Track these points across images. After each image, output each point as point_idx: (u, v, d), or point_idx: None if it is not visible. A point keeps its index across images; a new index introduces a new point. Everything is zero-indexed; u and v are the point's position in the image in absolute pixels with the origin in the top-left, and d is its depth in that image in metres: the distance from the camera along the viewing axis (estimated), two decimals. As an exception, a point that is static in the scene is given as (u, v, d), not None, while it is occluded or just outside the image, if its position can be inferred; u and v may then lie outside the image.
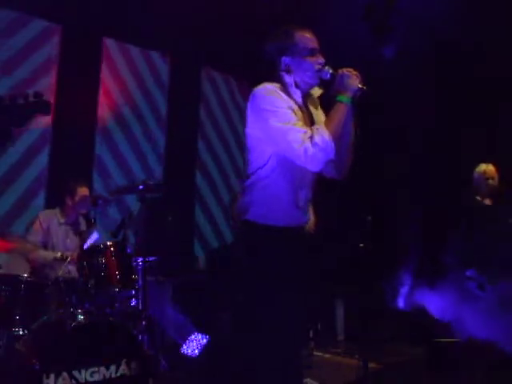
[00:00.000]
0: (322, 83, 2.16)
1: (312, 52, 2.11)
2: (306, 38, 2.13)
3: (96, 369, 2.62)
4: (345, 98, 2.02)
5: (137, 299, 3.35)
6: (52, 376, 2.46)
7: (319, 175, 2.23)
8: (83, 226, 3.88)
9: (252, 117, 2.10)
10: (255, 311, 2.06)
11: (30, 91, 1.93)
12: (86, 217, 3.92)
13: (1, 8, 4.29)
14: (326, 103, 2.12)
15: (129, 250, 3.35)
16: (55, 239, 3.73)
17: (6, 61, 4.32)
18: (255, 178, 2.11)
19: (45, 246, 3.68)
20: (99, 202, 3.59)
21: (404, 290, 4.17)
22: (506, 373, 3.24)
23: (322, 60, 2.11)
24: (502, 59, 4.75)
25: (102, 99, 4.96)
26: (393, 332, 4.81)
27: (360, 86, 2.03)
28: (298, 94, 2.12)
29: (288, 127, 1.97)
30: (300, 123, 2.01)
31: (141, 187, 3.47)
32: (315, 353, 4.47)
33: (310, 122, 2.13)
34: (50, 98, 4.46)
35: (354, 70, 2.06)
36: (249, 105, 2.11)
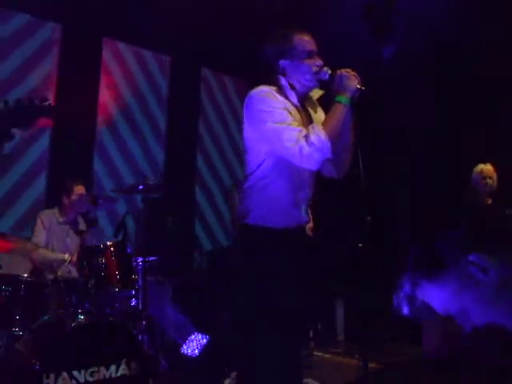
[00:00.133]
0: (323, 84, 2.16)
1: (310, 54, 2.12)
2: (304, 40, 2.13)
3: (96, 369, 2.62)
4: (343, 98, 2.02)
5: (137, 299, 3.35)
6: (52, 376, 2.46)
7: (318, 175, 2.23)
8: (82, 226, 3.89)
9: (248, 118, 2.11)
10: (255, 312, 2.06)
11: (35, 95, 1.95)
12: (86, 216, 3.93)
13: (0, 8, 4.30)
14: (327, 104, 2.12)
15: (129, 250, 3.35)
16: (55, 238, 3.74)
17: (5, 61, 4.32)
18: (253, 180, 2.12)
19: (46, 246, 3.69)
20: (99, 202, 3.60)
21: (405, 294, 4.16)
22: (506, 373, 3.24)
23: (319, 62, 2.12)
24: (501, 59, 4.75)
25: (102, 99, 4.96)
26: (393, 332, 4.81)
27: (359, 86, 2.03)
28: (294, 96, 2.13)
29: (283, 127, 1.98)
30: (296, 123, 2.01)
31: (141, 187, 3.48)
32: (315, 353, 4.47)
33: (309, 123, 2.13)
34: (50, 98, 4.46)
35: (353, 70, 2.06)
36: (245, 107, 2.12)
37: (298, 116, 2.08)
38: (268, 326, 2.02)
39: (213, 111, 6.02)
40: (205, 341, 3.98)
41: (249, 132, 2.12)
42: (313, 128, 1.99)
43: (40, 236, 3.68)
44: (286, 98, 2.09)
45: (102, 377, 2.63)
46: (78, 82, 4.67)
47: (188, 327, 4.05)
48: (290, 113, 2.04)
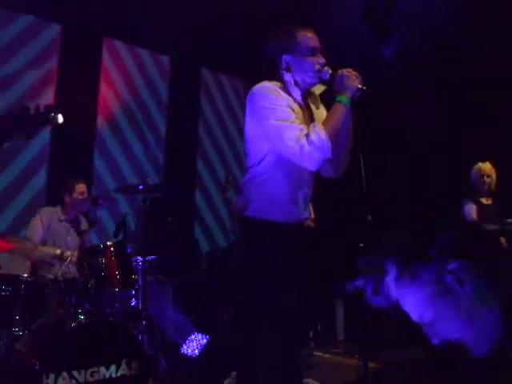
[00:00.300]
0: (323, 83, 2.16)
1: (313, 51, 2.11)
2: (308, 37, 2.13)
3: (96, 369, 2.61)
4: (344, 98, 2.02)
5: (137, 299, 3.35)
6: (52, 376, 2.46)
7: (317, 174, 2.23)
8: (84, 225, 3.89)
9: (250, 114, 2.11)
10: (255, 310, 2.06)
11: (42, 105, 1.96)
12: (87, 216, 3.93)
13: (1, 8, 4.30)
14: (328, 101, 2.12)
15: (129, 250, 3.35)
16: (56, 236, 3.73)
17: (5, 61, 4.32)
18: (252, 174, 2.12)
19: (44, 244, 3.68)
20: (99, 202, 3.60)
21: (384, 283, 4.12)
22: (506, 373, 3.24)
23: (322, 60, 2.12)
24: (501, 59, 4.75)
25: (102, 99, 4.96)
26: (393, 332, 4.81)
27: (359, 86, 2.03)
28: (297, 93, 2.13)
29: (285, 125, 1.97)
30: (298, 121, 2.01)
31: (141, 187, 3.48)
32: (315, 353, 4.47)
33: (311, 120, 2.13)
34: (50, 97, 4.47)
35: (354, 70, 2.06)
36: (247, 102, 2.12)
37: (300, 113, 2.08)
38: (268, 325, 2.02)
39: (212, 111, 6.03)
40: (205, 341, 3.98)
41: (251, 127, 2.12)
42: (314, 127, 1.99)
43: (35, 232, 3.67)
44: (289, 94, 2.09)
45: (101, 377, 2.63)
46: (78, 82, 4.67)
47: (188, 327, 4.05)
48: (293, 110, 2.03)
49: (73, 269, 3.46)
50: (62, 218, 3.80)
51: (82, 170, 4.70)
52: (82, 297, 3.04)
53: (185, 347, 3.98)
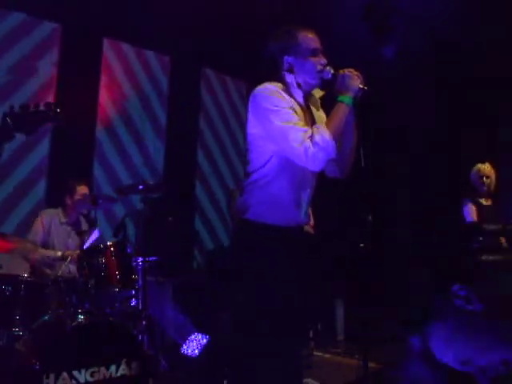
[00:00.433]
0: (324, 84, 2.16)
1: (314, 52, 2.11)
2: (309, 38, 2.12)
3: (96, 369, 2.61)
4: (346, 98, 2.02)
5: (137, 299, 3.35)
6: (52, 376, 2.46)
7: (321, 175, 2.23)
8: (84, 226, 3.89)
9: (253, 116, 2.10)
10: (255, 312, 2.05)
11: (42, 102, 1.96)
12: (87, 217, 3.92)
13: (1, 8, 4.30)
14: (328, 104, 2.12)
15: (129, 250, 3.35)
16: (56, 238, 3.73)
17: (5, 61, 4.32)
18: (256, 177, 2.11)
19: (45, 246, 3.68)
20: (99, 202, 3.60)
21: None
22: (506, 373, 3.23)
23: (324, 60, 2.11)
24: (501, 59, 4.75)
25: (102, 99, 4.96)
26: (393, 332, 4.81)
27: (361, 86, 2.03)
28: (299, 94, 2.12)
29: (289, 126, 1.97)
30: (301, 123, 2.01)
31: (141, 187, 3.48)
32: (315, 353, 4.47)
33: (312, 122, 2.13)
34: (50, 98, 4.46)
35: (355, 70, 2.06)
36: (250, 104, 2.11)
37: (301, 114, 2.08)
38: (268, 326, 2.01)
39: (214, 111, 6.02)
40: (205, 341, 3.98)
41: (254, 130, 2.11)
42: (317, 128, 1.99)
43: (37, 235, 3.68)
44: (291, 95, 2.09)
45: (101, 377, 2.63)
46: (78, 82, 4.67)
47: (188, 327, 4.05)
48: (296, 112, 2.03)
49: (73, 269, 3.46)
50: (64, 220, 3.80)
51: (81, 170, 4.70)
52: (82, 297, 3.03)
53: (185, 347, 3.98)
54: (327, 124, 2.02)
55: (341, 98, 2.03)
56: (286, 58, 2.11)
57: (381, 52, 4.94)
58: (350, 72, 2.04)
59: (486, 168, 4.26)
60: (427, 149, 5.51)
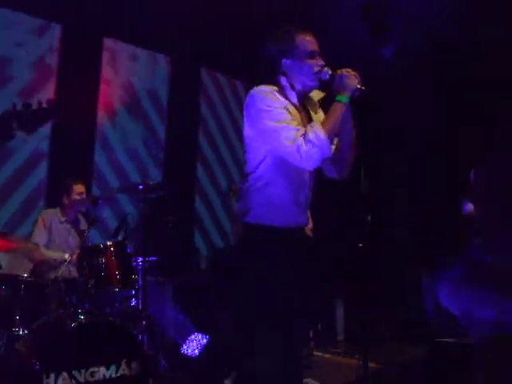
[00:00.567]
0: (323, 85, 2.17)
1: (312, 54, 2.12)
2: (307, 40, 2.13)
3: (96, 369, 2.62)
4: (343, 97, 2.03)
5: (137, 299, 3.35)
6: (52, 376, 2.46)
7: (319, 176, 2.24)
8: (83, 225, 3.89)
9: (248, 117, 2.12)
10: (255, 312, 2.06)
11: (44, 99, 1.98)
12: (86, 216, 3.93)
13: (1, 7, 4.30)
14: (329, 106, 2.12)
15: (129, 250, 3.35)
16: (57, 237, 3.74)
17: (5, 61, 4.32)
18: (253, 179, 2.12)
19: (47, 246, 3.69)
20: (99, 202, 3.61)
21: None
22: (506, 373, 3.24)
23: (321, 62, 2.12)
24: (500, 59, 4.76)
25: (102, 99, 4.96)
26: (393, 332, 4.81)
27: (359, 86, 2.04)
28: (294, 96, 2.13)
29: (281, 126, 1.98)
30: (294, 122, 2.02)
31: (141, 187, 3.48)
32: (315, 353, 4.47)
33: (308, 123, 2.14)
34: (50, 97, 4.46)
35: (353, 70, 2.07)
36: (245, 105, 2.12)
37: (297, 116, 2.09)
38: (268, 326, 2.02)
39: (211, 111, 6.02)
40: (205, 341, 3.98)
41: (248, 131, 2.13)
42: (311, 127, 2.00)
43: (40, 235, 3.69)
44: (287, 98, 2.10)
45: (101, 377, 2.63)
46: (77, 82, 4.67)
47: (188, 327, 4.05)
48: (290, 112, 2.04)
49: (73, 269, 3.46)
50: (62, 219, 3.81)
51: (81, 171, 4.70)
52: (82, 297, 3.04)
53: (185, 347, 3.98)
54: (323, 123, 2.03)
55: (338, 97, 2.04)
56: (283, 60, 2.12)
57: (379, 52, 4.95)
58: (348, 72, 2.05)
59: None
60: (425, 149, 5.52)
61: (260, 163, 2.10)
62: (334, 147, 2.23)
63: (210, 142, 6.00)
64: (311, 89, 2.18)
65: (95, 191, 4.82)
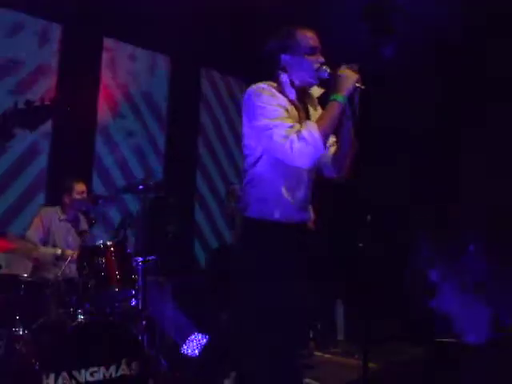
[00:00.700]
0: (322, 82, 2.16)
1: (312, 51, 2.11)
2: (308, 36, 2.12)
3: (96, 369, 2.62)
4: (339, 96, 2.01)
5: (137, 299, 3.35)
6: (52, 376, 2.46)
7: (318, 176, 2.23)
8: (84, 225, 3.89)
9: (244, 114, 2.12)
10: (254, 310, 2.05)
11: (46, 97, 1.98)
12: (87, 215, 3.92)
13: (1, 8, 4.30)
14: (327, 103, 2.12)
15: (129, 250, 3.35)
16: (57, 236, 3.73)
17: (5, 61, 4.32)
18: (250, 175, 2.12)
19: (45, 244, 3.68)
20: (99, 202, 3.60)
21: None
22: (506, 373, 3.24)
23: (321, 59, 2.11)
24: (502, 59, 4.75)
25: (102, 99, 4.96)
26: (393, 332, 4.81)
27: (358, 85, 2.02)
28: (293, 93, 2.12)
29: (274, 123, 1.97)
30: (290, 120, 2.00)
31: (141, 187, 3.48)
32: (315, 353, 4.48)
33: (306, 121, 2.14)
34: (50, 97, 4.45)
35: (352, 68, 2.05)
36: (243, 103, 2.12)
37: (294, 113, 2.08)
38: (267, 325, 2.01)
39: (215, 110, 6.03)
40: (205, 341, 3.98)
41: (245, 128, 2.13)
42: (306, 124, 1.99)
43: (35, 233, 3.67)
44: (285, 94, 2.09)
45: (101, 377, 2.64)
46: (78, 82, 4.67)
47: (188, 327, 4.05)
48: (286, 110, 2.03)
49: (73, 269, 3.46)
50: (62, 217, 3.80)
51: (82, 165, 4.70)
52: (81, 297, 3.03)
53: (185, 347, 3.98)
54: (318, 121, 2.02)
55: (334, 96, 2.02)
56: (283, 56, 2.12)
57: (380, 52, 4.94)
58: (346, 71, 2.03)
59: None
60: (427, 148, 5.51)
61: (257, 160, 2.09)
62: (333, 147, 2.23)
63: (211, 141, 5.99)
64: (310, 86, 2.17)
65: (96, 186, 4.83)
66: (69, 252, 3.50)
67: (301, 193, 2.13)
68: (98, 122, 4.94)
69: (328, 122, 2.00)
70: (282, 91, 2.09)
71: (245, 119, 2.12)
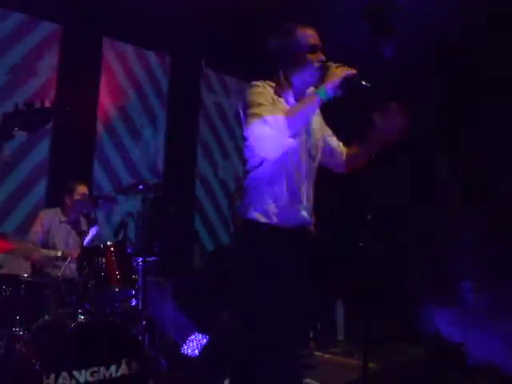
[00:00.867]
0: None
1: (313, 49, 2.09)
2: (308, 34, 2.11)
3: (96, 369, 2.62)
4: (321, 89, 1.96)
5: (137, 299, 3.35)
6: (52, 376, 2.47)
7: (319, 174, 2.23)
8: (84, 226, 3.88)
9: (241, 113, 2.12)
10: (253, 311, 2.05)
11: (46, 98, 1.98)
12: (87, 217, 3.92)
13: (1, 8, 4.30)
14: (327, 105, 2.11)
15: (129, 250, 3.35)
16: (57, 238, 3.74)
17: (5, 61, 4.32)
18: (252, 177, 2.12)
19: (45, 246, 3.68)
20: (99, 202, 3.60)
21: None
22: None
23: (322, 57, 2.09)
24: (502, 59, 4.75)
25: (102, 99, 4.96)
26: (393, 332, 4.81)
27: (352, 79, 1.98)
28: (290, 94, 2.12)
29: (252, 115, 1.96)
30: (271, 109, 1.97)
31: (141, 187, 3.48)
32: (315, 353, 4.48)
33: (305, 130, 2.14)
34: (51, 97, 4.46)
35: (346, 65, 2.03)
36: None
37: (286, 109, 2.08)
38: (267, 326, 2.01)
39: (214, 110, 6.02)
40: (205, 341, 3.98)
41: (244, 129, 2.13)
42: (275, 110, 1.97)
43: (34, 236, 3.68)
44: (281, 94, 2.09)
45: (102, 377, 2.64)
46: (78, 82, 4.66)
47: (188, 327, 4.05)
48: (273, 103, 2.01)
49: (73, 269, 3.46)
50: (63, 219, 3.80)
51: (81, 170, 4.69)
52: (82, 297, 3.03)
53: (185, 347, 3.98)
54: (288, 110, 2.01)
55: (318, 89, 1.99)
56: (283, 54, 2.11)
57: (381, 52, 4.94)
58: (334, 65, 2.01)
59: None
60: (427, 148, 5.50)
61: (260, 162, 2.09)
62: (350, 152, 2.30)
63: (210, 141, 5.99)
64: (310, 85, 2.16)
65: (97, 186, 4.83)
66: (68, 252, 3.50)
67: (300, 191, 2.13)
68: (98, 122, 4.93)
69: (298, 111, 1.98)
70: (279, 90, 2.09)
71: (242, 119, 2.11)
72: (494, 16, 4.59)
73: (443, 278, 4.38)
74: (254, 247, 2.08)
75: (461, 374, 3.52)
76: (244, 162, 2.19)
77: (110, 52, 5.06)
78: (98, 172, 4.94)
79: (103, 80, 4.98)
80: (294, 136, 1.99)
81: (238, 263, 2.15)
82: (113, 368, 2.68)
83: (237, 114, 2.15)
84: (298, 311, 2.13)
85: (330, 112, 2.32)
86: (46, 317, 2.87)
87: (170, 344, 3.98)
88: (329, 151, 2.32)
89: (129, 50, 5.23)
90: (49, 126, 4.45)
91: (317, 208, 2.30)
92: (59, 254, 3.52)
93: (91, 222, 3.77)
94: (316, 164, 2.21)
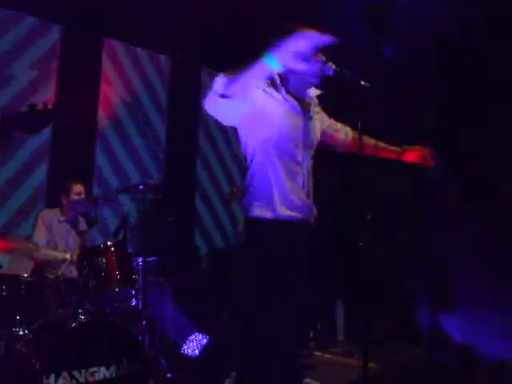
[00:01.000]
0: (324, 80, 2.14)
1: (314, 49, 2.09)
2: (308, 34, 2.11)
3: (96, 369, 2.62)
4: (268, 55, 1.88)
5: (137, 299, 3.35)
6: (52, 376, 2.47)
7: (317, 172, 2.24)
8: (83, 226, 3.89)
9: None
10: (254, 310, 2.05)
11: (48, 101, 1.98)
12: (86, 217, 3.92)
13: (1, 7, 4.30)
14: (326, 104, 2.11)
15: (129, 250, 3.35)
16: (57, 237, 3.74)
17: (5, 61, 4.32)
18: (249, 175, 2.13)
19: (48, 245, 3.68)
20: (99, 202, 3.60)
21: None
22: (506, 373, 3.24)
23: (322, 57, 2.08)
24: (502, 59, 4.75)
25: (102, 99, 4.96)
26: (393, 332, 4.81)
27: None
28: (283, 91, 2.12)
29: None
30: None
31: (141, 187, 3.48)
32: (315, 353, 4.48)
33: (302, 118, 2.14)
34: (51, 98, 4.46)
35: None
36: None
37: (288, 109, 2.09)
38: (267, 325, 2.01)
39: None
40: (205, 341, 3.98)
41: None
42: None
43: (41, 235, 3.68)
44: (274, 90, 2.09)
45: (102, 377, 2.64)
46: (78, 82, 4.66)
47: (188, 327, 4.05)
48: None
49: (73, 269, 3.46)
50: (62, 219, 3.80)
51: (82, 165, 4.69)
52: (82, 297, 3.03)
53: (185, 347, 3.98)
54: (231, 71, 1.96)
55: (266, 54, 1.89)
56: (283, 54, 2.10)
57: (381, 52, 4.94)
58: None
59: None
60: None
61: (252, 158, 2.11)
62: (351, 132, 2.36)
63: (216, 137, 6.00)
64: (311, 85, 2.16)
65: (96, 191, 4.82)
66: (69, 253, 3.50)
67: (301, 186, 2.13)
68: (98, 121, 4.94)
69: (238, 72, 1.91)
70: (278, 89, 2.09)
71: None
72: (494, 16, 4.59)
73: (443, 278, 4.38)
74: (256, 246, 2.09)
75: (461, 374, 3.52)
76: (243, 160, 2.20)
77: (110, 52, 5.06)
78: (101, 168, 4.94)
79: (103, 80, 4.98)
80: (233, 95, 1.92)
81: (240, 263, 2.15)
82: (113, 368, 2.68)
83: None
84: (298, 311, 2.13)
85: (330, 112, 2.32)
86: (46, 317, 2.87)
87: (170, 344, 3.98)
88: (328, 137, 2.38)
89: (129, 49, 5.22)
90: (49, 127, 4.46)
91: (317, 208, 2.31)
92: (67, 256, 3.50)
93: (91, 222, 3.77)
94: (312, 153, 2.23)
